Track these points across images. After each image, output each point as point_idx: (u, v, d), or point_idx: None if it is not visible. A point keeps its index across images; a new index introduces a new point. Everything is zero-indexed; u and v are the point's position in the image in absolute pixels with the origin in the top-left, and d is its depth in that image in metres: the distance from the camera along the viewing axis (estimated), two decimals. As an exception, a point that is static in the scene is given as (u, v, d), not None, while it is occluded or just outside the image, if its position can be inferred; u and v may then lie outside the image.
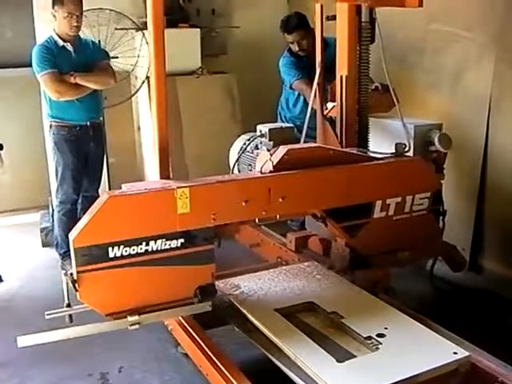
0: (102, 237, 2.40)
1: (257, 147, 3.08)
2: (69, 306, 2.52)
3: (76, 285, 2.41)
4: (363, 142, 3.25)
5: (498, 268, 3.81)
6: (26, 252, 4.75)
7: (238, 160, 3.07)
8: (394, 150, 3.15)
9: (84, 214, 4.32)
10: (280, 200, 2.71)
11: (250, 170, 3.10)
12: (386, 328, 2.57)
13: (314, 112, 3.39)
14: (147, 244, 2.49)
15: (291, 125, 3.04)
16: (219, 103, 5.27)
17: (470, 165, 3.93)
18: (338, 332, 2.60)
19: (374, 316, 2.68)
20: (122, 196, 2.43)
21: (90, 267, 2.41)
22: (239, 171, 3.17)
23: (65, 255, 4.28)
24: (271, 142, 2.94)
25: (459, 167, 3.95)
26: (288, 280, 3.10)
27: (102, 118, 4.34)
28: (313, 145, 2.89)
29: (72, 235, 2.39)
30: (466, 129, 3.92)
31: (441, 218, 3.31)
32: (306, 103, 4.27)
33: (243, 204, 2.63)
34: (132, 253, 2.47)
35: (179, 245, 2.56)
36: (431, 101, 4.19)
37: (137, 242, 2.47)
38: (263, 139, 2.98)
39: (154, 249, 2.51)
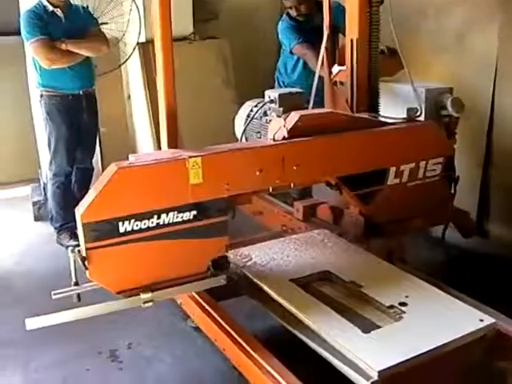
0: (112, 211, 2.27)
1: (265, 114, 2.95)
2: (76, 284, 2.40)
3: (85, 262, 2.28)
4: (374, 107, 3.13)
5: (504, 233, 3.76)
6: (19, 227, 4.60)
7: (245, 127, 2.93)
8: (404, 115, 3.05)
9: (78, 186, 4.32)
10: (294, 168, 2.60)
11: (259, 138, 2.97)
12: (407, 296, 2.49)
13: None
14: (159, 217, 2.37)
15: (301, 90, 2.90)
16: (212, 69, 5.11)
17: (476, 129, 3.84)
18: (358, 302, 2.52)
19: (393, 284, 2.60)
20: (132, 167, 2.30)
21: (99, 243, 2.28)
22: (246, 139, 3.03)
23: (60, 229, 4.15)
24: (281, 108, 2.80)
25: (465, 132, 3.85)
26: (300, 249, 3.01)
27: (94, 87, 4.16)
28: (325, 110, 2.77)
29: (79, 210, 2.26)
30: (472, 93, 3.82)
31: (453, 184, 3.23)
32: (304, 68, 4.14)
33: (257, 173, 2.52)
34: (143, 227, 2.34)
35: (192, 217, 2.44)
36: (435, 65, 4.07)
37: (148, 215, 2.34)
38: (272, 105, 2.84)
39: (166, 222, 2.39)
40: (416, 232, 3.19)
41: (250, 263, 2.86)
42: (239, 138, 3.00)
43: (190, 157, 2.38)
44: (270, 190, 2.71)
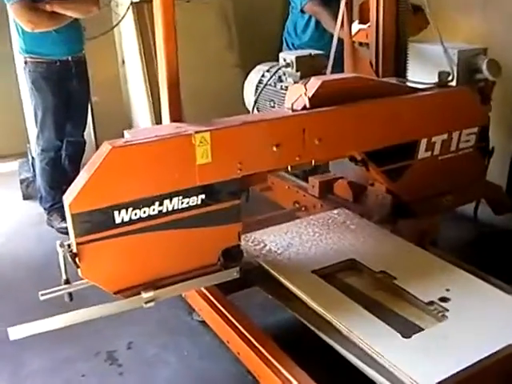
0: (106, 198, 1.92)
1: (280, 79, 2.57)
2: (67, 282, 2.06)
3: (77, 259, 1.94)
4: (401, 71, 2.76)
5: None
6: (6, 206, 4.24)
7: (258, 96, 2.55)
8: (435, 80, 2.69)
9: (69, 162, 3.95)
10: (316, 142, 2.25)
11: (273, 107, 2.60)
12: (447, 290, 2.18)
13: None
14: (161, 204, 2.02)
15: (321, 52, 2.52)
16: (213, 31, 4.70)
17: (506, 94, 3.45)
18: (392, 297, 2.20)
19: (429, 275, 2.28)
20: (128, 146, 1.93)
21: (92, 237, 1.93)
22: (258, 110, 2.66)
23: (50, 209, 3.80)
24: (298, 73, 2.43)
25: (495, 98, 3.48)
26: (319, 232, 2.67)
27: (84, 52, 3.75)
28: (349, 75, 2.40)
29: (67, 199, 1.90)
30: (503, 53, 3.42)
31: (487, 156, 2.88)
32: (317, 28, 3.76)
33: (274, 149, 2.16)
34: (143, 216, 2.00)
35: (199, 202, 2.10)
36: (462, 23, 3.66)
37: (148, 202, 2.00)
38: (288, 69, 2.46)
39: (170, 209, 2.04)
40: (447, 210, 2.84)
41: (264, 251, 2.53)
42: (251, 107, 2.62)
43: (197, 132, 2.02)
44: (289, 168, 2.35)
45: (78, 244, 1.92)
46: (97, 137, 4.66)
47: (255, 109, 2.61)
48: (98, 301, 2.09)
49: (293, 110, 2.26)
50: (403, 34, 2.75)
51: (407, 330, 1.97)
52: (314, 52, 2.49)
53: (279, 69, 2.50)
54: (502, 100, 3.29)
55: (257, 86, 2.71)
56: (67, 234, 1.98)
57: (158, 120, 4.40)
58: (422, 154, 2.62)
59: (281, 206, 3.45)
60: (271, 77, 2.55)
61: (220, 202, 2.14)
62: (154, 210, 2.01)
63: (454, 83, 2.75)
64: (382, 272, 2.31)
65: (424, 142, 2.60)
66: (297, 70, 2.45)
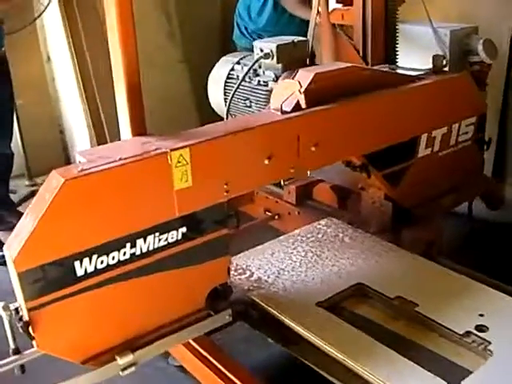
0: (62, 247, 1.46)
1: (256, 73, 2.15)
2: (17, 352, 1.58)
3: (30, 328, 1.46)
4: (391, 57, 2.40)
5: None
6: None
7: (233, 94, 2.11)
8: (425, 65, 2.35)
9: None
10: (313, 149, 1.86)
11: (248, 107, 2.18)
12: (481, 315, 1.84)
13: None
14: (133, 245, 1.57)
15: (303, 38, 2.12)
16: (152, 21, 4.17)
17: (493, 76, 3.16)
18: (417, 329, 1.84)
19: (455, 297, 1.94)
20: (86, 175, 1.46)
21: (48, 298, 1.46)
22: (228, 112, 2.22)
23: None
24: (280, 65, 2.02)
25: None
26: (312, 251, 2.28)
27: (4, 49, 3.18)
28: (343, 65, 2.00)
29: (10, 252, 1.42)
30: (485, 32, 3.13)
31: (485, 148, 2.58)
32: (275, 10, 3.34)
33: (266, 162, 1.75)
34: (112, 263, 1.54)
35: (180, 237, 1.66)
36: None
37: (117, 244, 1.54)
38: (267, 61, 2.05)
39: (144, 250, 1.60)
40: (446, 212, 2.52)
41: (252, 280, 2.11)
42: (220, 108, 2.19)
43: (173, 149, 1.57)
44: (282, 182, 1.95)
45: (29, 310, 1.45)
46: (25, 146, 4.08)
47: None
48: (58, 371, 1.62)
49: (282, 112, 1.85)
50: (392, 13, 2.38)
51: (451, 374, 1.61)
52: (296, 39, 2.08)
53: (257, 60, 2.07)
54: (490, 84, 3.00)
55: (226, 82, 2.28)
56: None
57: (94, 120, 3.88)
58: (423, 151, 2.29)
59: (248, 215, 3.03)
60: (248, 71, 2.11)
61: (205, 233, 1.71)
62: (124, 253, 1.56)
63: (446, 68, 2.43)
64: (399, 298, 1.94)
65: (424, 137, 2.26)
66: (278, 62, 2.03)
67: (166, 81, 4.16)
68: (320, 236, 2.39)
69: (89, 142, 3.93)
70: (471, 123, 2.44)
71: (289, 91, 1.83)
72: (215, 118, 2.49)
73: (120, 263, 1.56)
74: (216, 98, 2.35)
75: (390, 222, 2.30)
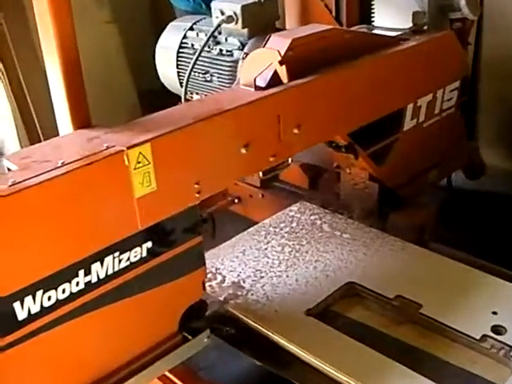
0: (-5, 285, 1.10)
1: (217, 41, 1.80)
2: None
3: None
4: (367, 16, 2.10)
5: (498, 161, 2.95)
6: None
7: (191, 69, 1.75)
8: (402, 24, 2.07)
9: None
10: (295, 131, 1.55)
11: (209, 81, 1.83)
12: (494, 313, 1.61)
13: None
14: (87, 272, 1.23)
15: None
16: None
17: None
18: (425, 335, 1.60)
19: (462, 292, 1.70)
20: (19, 192, 1.10)
21: (-20, 354, 1.11)
22: (186, 90, 1.86)
23: None
24: (245, 30, 1.68)
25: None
26: (289, 244, 1.99)
27: None
28: (319, 27, 1.67)
29: None
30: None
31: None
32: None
33: (243, 151, 1.43)
34: (62, 297, 1.20)
35: (145, 254, 1.33)
36: None
37: (67, 274, 1.20)
38: (231, 25, 1.70)
39: (102, 276, 1.26)
40: (431, 188, 2.28)
41: (226, 288, 1.80)
42: (173, 84, 1.83)
43: (131, 146, 1.23)
44: (260, 174, 1.64)
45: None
46: None
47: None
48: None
49: (256, 89, 1.52)
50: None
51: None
52: (263, -2, 1.74)
53: (219, 25, 1.71)
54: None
55: (179, 52, 1.91)
56: None
57: (20, 107, 3.39)
58: (408, 123, 2.02)
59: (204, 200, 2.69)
60: (208, 39, 1.75)
61: (175, 245, 1.39)
62: (78, 284, 1.22)
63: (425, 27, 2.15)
64: (399, 297, 1.69)
65: (410, 107, 1.99)
66: (243, 26, 1.69)
67: (92, 45, 3.69)
68: (295, 225, 2.10)
69: (16, 138, 3.40)
70: (455, 88, 2.19)
71: (264, 63, 1.50)
72: (155, 84, 2.14)
73: (73, 296, 1.22)
74: (167, 71, 1.98)
75: (377, 206, 2.03)
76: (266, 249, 1.97)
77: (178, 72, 1.91)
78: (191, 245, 1.42)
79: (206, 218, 1.46)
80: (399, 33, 2.04)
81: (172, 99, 1.98)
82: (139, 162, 1.24)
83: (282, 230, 2.08)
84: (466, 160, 2.43)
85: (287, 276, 1.83)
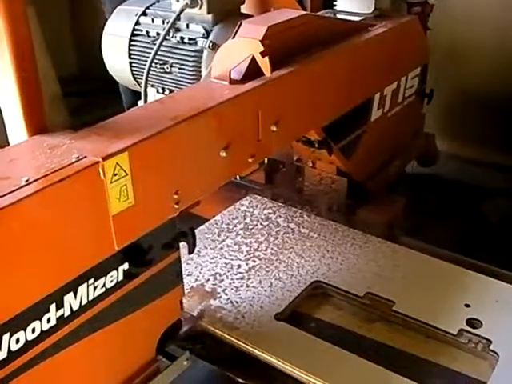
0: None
1: (176, 28, 1.61)
2: None
3: None
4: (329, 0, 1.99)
5: (451, 148, 2.92)
6: None
7: (152, 59, 1.55)
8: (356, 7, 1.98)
9: None
10: (273, 128, 1.41)
11: (168, 73, 1.65)
12: (467, 305, 1.57)
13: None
14: (59, 305, 1.05)
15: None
16: None
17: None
18: (401, 332, 1.53)
19: (432, 286, 1.65)
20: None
21: None
22: (146, 83, 1.66)
23: None
24: (210, 16, 1.51)
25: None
26: (244, 242, 1.86)
27: None
28: (292, 13, 1.53)
29: None
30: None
31: (426, 101, 2.30)
32: None
33: (223, 154, 1.28)
34: (31, 338, 1.02)
35: (121, 277, 1.16)
36: None
37: (36, 311, 1.01)
38: (194, 11, 1.52)
39: (75, 307, 1.09)
40: (396, 177, 2.21)
41: (192, 298, 1.65)
42: (131, 78, 1.64)
43: (106, 156, 1.05)
44: (238, 178, 1.50)
45: None
46: None
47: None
48: None
49: (231, 82, 1.36)
50: None
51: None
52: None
53: (182, 10, 1.53)
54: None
55: (131, 40, 1.71)
56: None
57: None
58: (375, 113, 1.93)
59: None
60: (170, 25, 1.56)
61: (153, 264, 1.23)
62: (49, 320, 1.04)
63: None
64: (369, 294, 1.61)
65: (377, 97, 1.90)
66: (209, 11, 1.52)
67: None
68: (248, 220, 1.97)
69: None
70: (416, 75, 2.13)
71: (242, 54, 1.34)
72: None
73: (44, 334, 1.04)
74: (116, 62, 1.77)
75: (345, 201, 1.94)
76: (221, 248, 1.84)
77: (131, 63, 1.71)
78: (169, 261, 1.27)
79: (185, 231, 1.29)
80: (362, 18, 1.94)
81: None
82: (116, 175, 1.07)
83: (235, 226, 1.94)
84: (422, 148, 2.39)
85: (249, 278, 1.70)
